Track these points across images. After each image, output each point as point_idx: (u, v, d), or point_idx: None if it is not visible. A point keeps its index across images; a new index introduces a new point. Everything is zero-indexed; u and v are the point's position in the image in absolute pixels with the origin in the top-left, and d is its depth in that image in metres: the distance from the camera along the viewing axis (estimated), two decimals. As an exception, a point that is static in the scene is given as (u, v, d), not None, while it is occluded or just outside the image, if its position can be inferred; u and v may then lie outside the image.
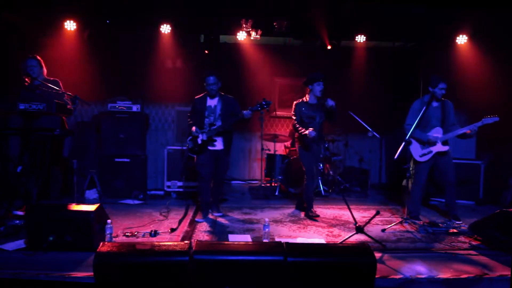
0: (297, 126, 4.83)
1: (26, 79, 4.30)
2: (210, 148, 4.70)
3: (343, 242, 3.84)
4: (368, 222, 3.96)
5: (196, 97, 4.87)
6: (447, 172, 4.59)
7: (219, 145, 4.74)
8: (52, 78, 4.53)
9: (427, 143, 4.55)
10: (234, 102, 4.83)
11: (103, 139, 5.91)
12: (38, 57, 4.48)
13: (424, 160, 4.59)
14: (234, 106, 4.78)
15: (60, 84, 4.53)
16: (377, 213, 3.93)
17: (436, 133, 4.56)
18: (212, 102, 4.75)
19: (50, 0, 5.53)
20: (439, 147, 4.53)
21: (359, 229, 3.83)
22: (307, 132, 4.64)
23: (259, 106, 4.58)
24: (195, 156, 4.76)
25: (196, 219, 4.72)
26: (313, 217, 4.86)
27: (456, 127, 4.55)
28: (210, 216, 4.84)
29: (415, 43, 7.01)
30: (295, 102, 4.96)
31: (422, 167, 4.63)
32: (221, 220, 4.72)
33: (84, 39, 6.16)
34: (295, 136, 5.04)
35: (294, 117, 4.93)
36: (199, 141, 4.68)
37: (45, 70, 4.52)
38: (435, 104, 4.59)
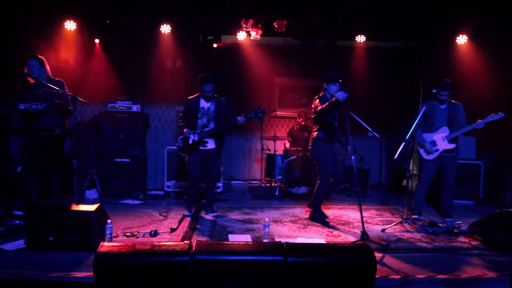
0: (321, 107, 4.38)
1: (29, 79, 4.30)
2: (201, 148, 4.70)
3: (343, 242, 3.83)
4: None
5: (189, 97, 4.83)
6: (447, 173, 4.65)
7: (210, 145, 4.74)
8: (57, 79, 4.52)
9: (423, 148, 4.61)
10: (228, 105, 4.78)
11: (103, 139, 5.91)
12: (40, 57, 4.45)
13: (431, 158, 4.63)
14: (227, 109, 4.76)
15: (65, 85, 4.53)
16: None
17: (443, 132, 4.62)
18: (205, 104, 4.73)
19: (50, 0, 5.53)
20: (445, 145, 4.58)
21: (364, 235, 3.82)
22: (335, 97, 4.17)
23: (254, 114, 4.56)
24: (185, 155, 4.78)
25: (184, 213, 4.80)
26: (321, 220, 4.65)
27: (463, 126, 4.57)
28: (205, 216, 4.85)
29: (415, 43, 7.01)
30: (318, 96, 4.58)
31: (428, 165, 4.66)
32: (221, 220, 4.72)
33: (84, 40, 6.17)
34: (312, 135, 4.70)
35: (318, 108, 4.44)
36: (190, 141, 4.69)
37: (48, 69, 4.50)
38: (442, 106, 4.65)
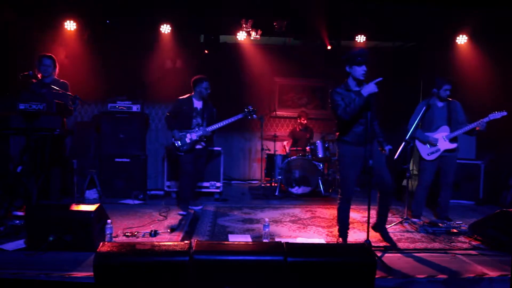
0: (344, 106, 3.45)
1: (35, 77, 4.30)
2: (197, 146, 4.91)
3: (343, 242, 3.82)
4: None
5: (180, 97, 4.93)
6: (447, 173, 4.59)
7: (203, 143, 5.01)
8: (61, 80, 4.54)
9: (428, 143, 4.55)
10: (211, 104, 5.11)
11: (103, 139, 5.90)
12: (54, 57, 4.50)
13: (432, 159, 4.56)
14: (212, 107, 5.11)
15: (69, 87, 4.54)
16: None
17: (443, 131, 4.55)
18: (198, 104, 4.93)
19: (50, 0, 5.53)
20: (447, 145, 4.51)
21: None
22: (361, 93, 3.34)
23: (247, 113, 4.96)
24: (183, 154, 4.88)
25: (178, 212, 4.91)
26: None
27: (464, 125, 4.50)
28: (191, 211, 5.00)
29: (415, 43, 7.01)
30: (335, 89, 3.60)
31: (429, 166, 4.59)
32: (221, 220, 4.72)
33: (84, 39, 6.17)
34: (337, 134, 3.72)
35: (336, 106, 3.49)
36: (188, 140, 4.83)
37: (57, 70, 4.54)
38: (440, 104, 4.58)
